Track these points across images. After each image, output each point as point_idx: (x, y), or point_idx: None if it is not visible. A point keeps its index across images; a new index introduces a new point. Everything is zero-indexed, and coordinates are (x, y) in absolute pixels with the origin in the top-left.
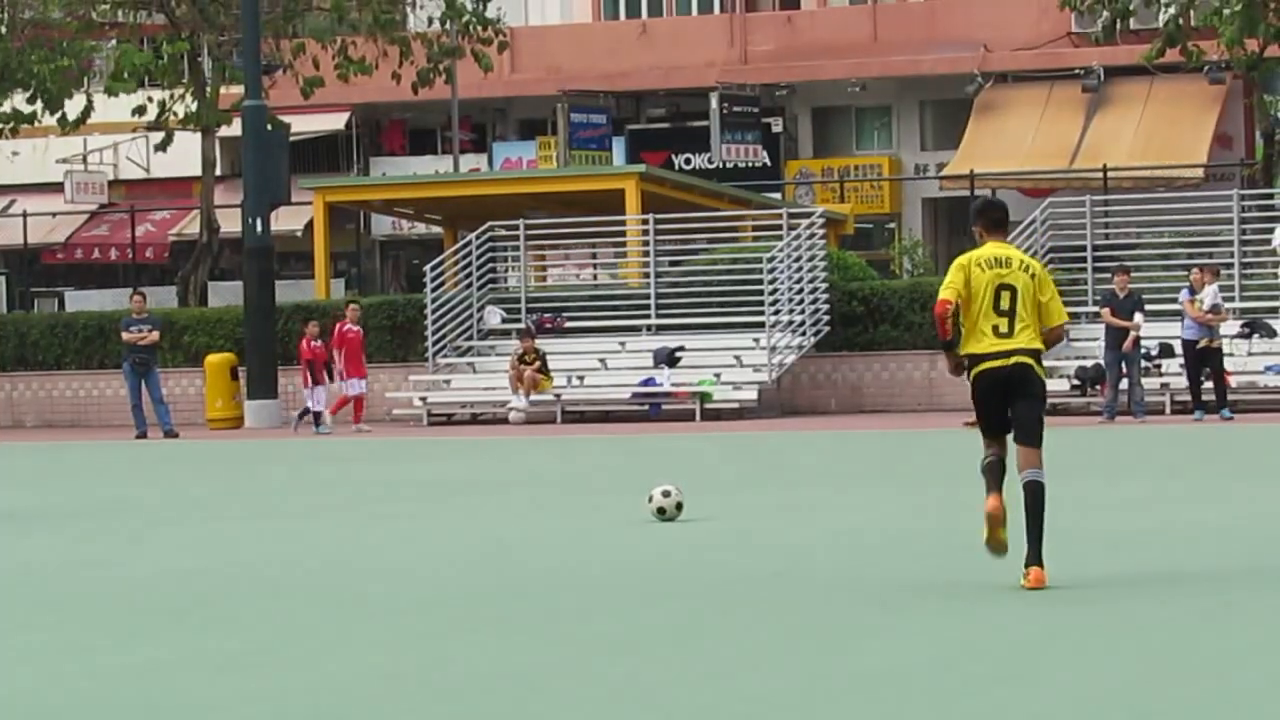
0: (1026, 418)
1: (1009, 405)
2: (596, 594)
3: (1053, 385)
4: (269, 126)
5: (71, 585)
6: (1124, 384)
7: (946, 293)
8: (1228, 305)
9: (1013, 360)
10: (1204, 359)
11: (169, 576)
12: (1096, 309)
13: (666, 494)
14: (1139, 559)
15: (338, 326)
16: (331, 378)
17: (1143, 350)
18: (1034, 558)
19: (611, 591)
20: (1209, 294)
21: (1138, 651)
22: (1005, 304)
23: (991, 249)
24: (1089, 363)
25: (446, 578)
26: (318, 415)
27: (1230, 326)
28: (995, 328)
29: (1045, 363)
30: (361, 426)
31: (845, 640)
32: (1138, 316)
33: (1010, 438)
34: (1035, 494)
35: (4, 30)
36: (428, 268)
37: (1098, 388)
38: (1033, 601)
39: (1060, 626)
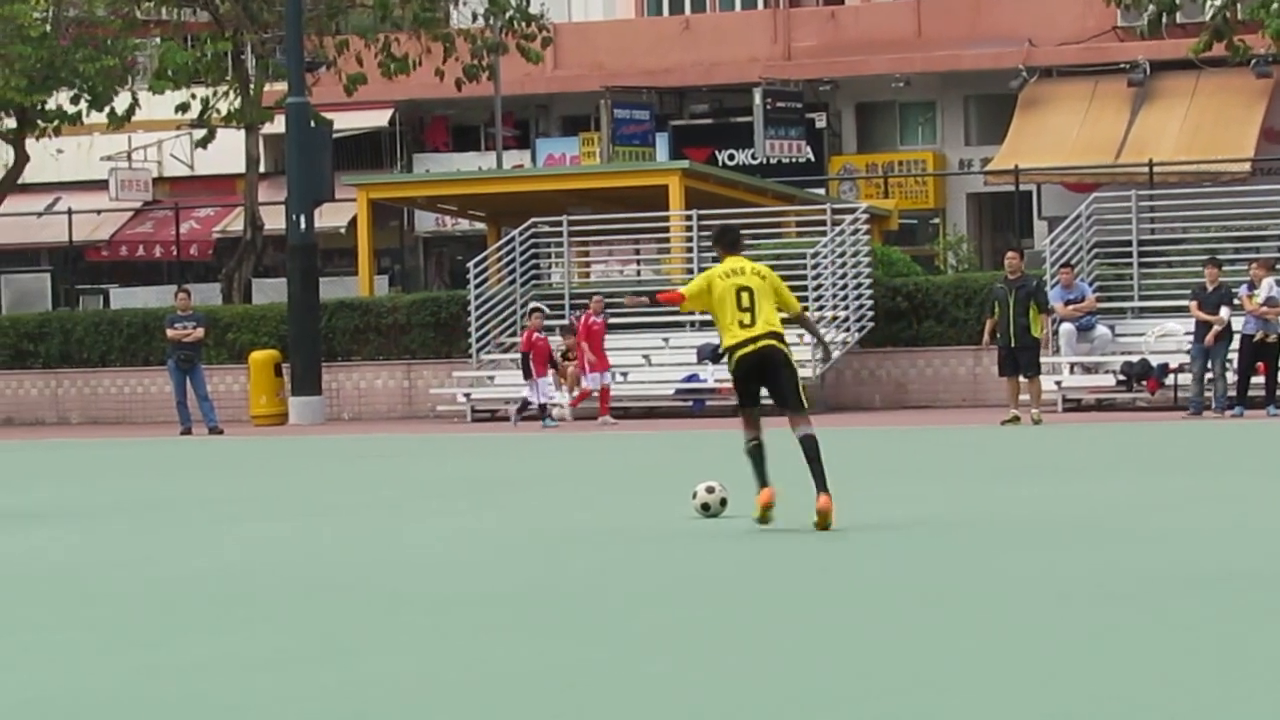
0: (785, 388)
1: (765, 383)
2: (637, 591)
3: (1098, 380)
4: (312, 124)
5: (111, 582)
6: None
7: (684, 288)
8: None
9: (760, 344)
10: (1259, 353)
11: (208, 574)
12: (1139, 304)
13: (711, 490)
14: (1184, 556)
15: (584, 318)
16: (554, 368)
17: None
18: (822, 488)
19: (653, 589)
20: (1266, 287)
21: (1183, 651)
22: (746, 302)
23: (729, 263)
24: (1135, 358)
25: (487, 575)
26: (543, 407)
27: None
28: (740, 321)
29: (1091, 357)
30: (607, 419)
31: (885, 638)
32: (1223, 310)
33: (781, 410)
34: (812, 445)
35: (49, 29)
36: (471, 264)
37: (1144, 383)
38: (1074, 600)
39: (1104, 625)
